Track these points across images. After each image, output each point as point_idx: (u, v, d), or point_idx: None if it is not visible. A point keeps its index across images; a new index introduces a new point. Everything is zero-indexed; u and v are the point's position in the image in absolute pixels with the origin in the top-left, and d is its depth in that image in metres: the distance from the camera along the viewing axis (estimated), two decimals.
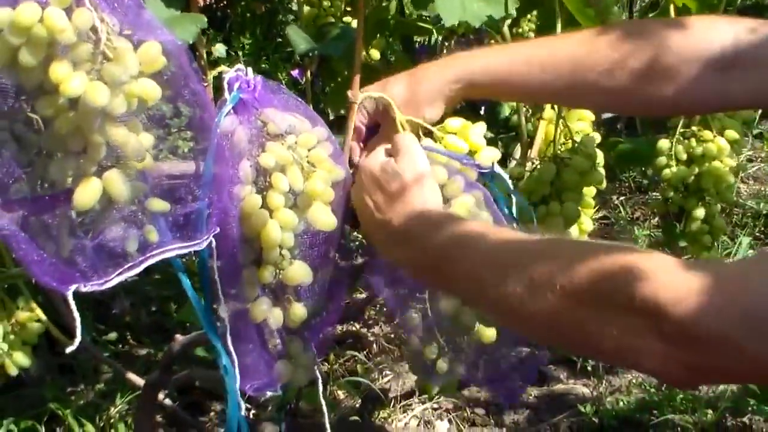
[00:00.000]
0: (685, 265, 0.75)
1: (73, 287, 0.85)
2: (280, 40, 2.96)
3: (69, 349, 0.86)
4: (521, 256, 0.88)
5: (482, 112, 2.28)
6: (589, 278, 0.77)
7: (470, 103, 2.04)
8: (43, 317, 1.45)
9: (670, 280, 0.73)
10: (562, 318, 0.80)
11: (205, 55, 1.23)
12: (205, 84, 1.17)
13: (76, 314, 0.85)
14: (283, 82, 2.78)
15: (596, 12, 1.30)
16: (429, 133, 1.18)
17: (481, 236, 0.94)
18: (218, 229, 1.00)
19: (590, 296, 0.77)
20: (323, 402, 1.19)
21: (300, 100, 1.10)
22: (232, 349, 1.07)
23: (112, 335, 2.61)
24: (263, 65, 2.90)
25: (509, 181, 1.21)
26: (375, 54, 1.96)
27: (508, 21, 1.40)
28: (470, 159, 1.16)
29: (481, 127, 1.20)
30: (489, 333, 1.17)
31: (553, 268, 0.81)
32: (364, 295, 2.39)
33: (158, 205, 0.94)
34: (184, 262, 1.03)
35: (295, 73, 2.80)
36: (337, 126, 1.25)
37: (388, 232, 1.05)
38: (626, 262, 0.77)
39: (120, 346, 2.64)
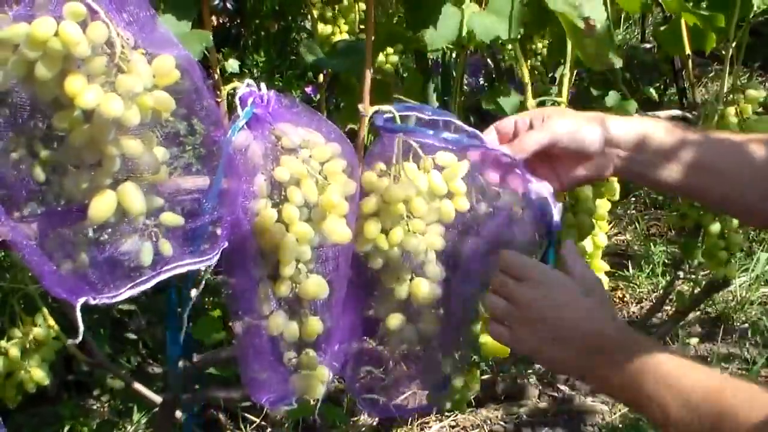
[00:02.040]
0: None
1: (83, 299, 0.87)
2: (293, 57, 2.97)
3: (70, 342, 0.87)
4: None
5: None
6: None
7: (481, 117, 2.04)
8: (61, 334, 1.46)
9: None
10: None
11: (218, 71, 1.24)
12: (219, 99, 1.18)
13: (79, 314, 0.85)
14: (297, 98, 2.78)
15: (593, 40, 1.27)
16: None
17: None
18: (226, 244, 1.01)
19: None
20: None
21: (315, 112, 1.10)
22: None
23: (129, 353, 2.62)
24: (277, 83, 2.91)
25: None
26: (388, 68, 1.96)
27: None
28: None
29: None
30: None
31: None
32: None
33: (171, 219, 0.94)
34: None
35: (309, 89, 2.81)
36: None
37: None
38: None
39: (136, 363, 2.65)
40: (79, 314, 0.84)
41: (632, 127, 1.11)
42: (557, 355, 1.00)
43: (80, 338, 0.87)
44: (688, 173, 1.09)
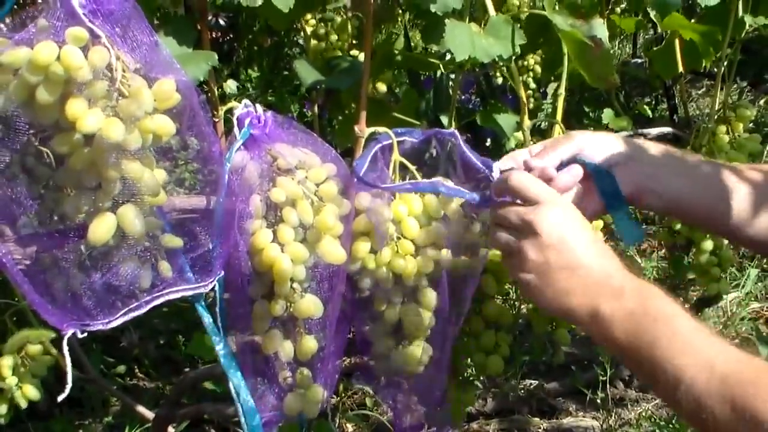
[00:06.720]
0: None
1: (71, 331, 0.87)
2: (287, 73, 2.97)
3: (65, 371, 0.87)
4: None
5: (488, 143, 2.30)
6: None
7: (475, 135, 2.05)
8: (53, 350, 1.45)
9: None
10: None
11: (216, 91, 1.24)
12: (216, 119, 1.18)
13: (66, 350, 0.85)
14: (292, 114, 2.80)
15: (598, 59, 1.28)
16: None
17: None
18: (222, 272, 1.02)
19: None
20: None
21: (311, 133, 1.11)
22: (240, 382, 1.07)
23: (121, 368, 2.62)
24: (270, 98, 2.91)
25: None
26: (382, 87, 1.97)
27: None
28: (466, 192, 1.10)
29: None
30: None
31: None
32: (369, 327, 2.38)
33: (173, 241, 0.95)
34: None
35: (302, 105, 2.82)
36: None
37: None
38: None
39: (128, 379, 2.64)
40: (66, 350, 0.85)
41: (650, 144, 1.10)
42: (563, 285, 0.95)
43: (69, 386, 0.87)
44: (708, 195, 1.09)
